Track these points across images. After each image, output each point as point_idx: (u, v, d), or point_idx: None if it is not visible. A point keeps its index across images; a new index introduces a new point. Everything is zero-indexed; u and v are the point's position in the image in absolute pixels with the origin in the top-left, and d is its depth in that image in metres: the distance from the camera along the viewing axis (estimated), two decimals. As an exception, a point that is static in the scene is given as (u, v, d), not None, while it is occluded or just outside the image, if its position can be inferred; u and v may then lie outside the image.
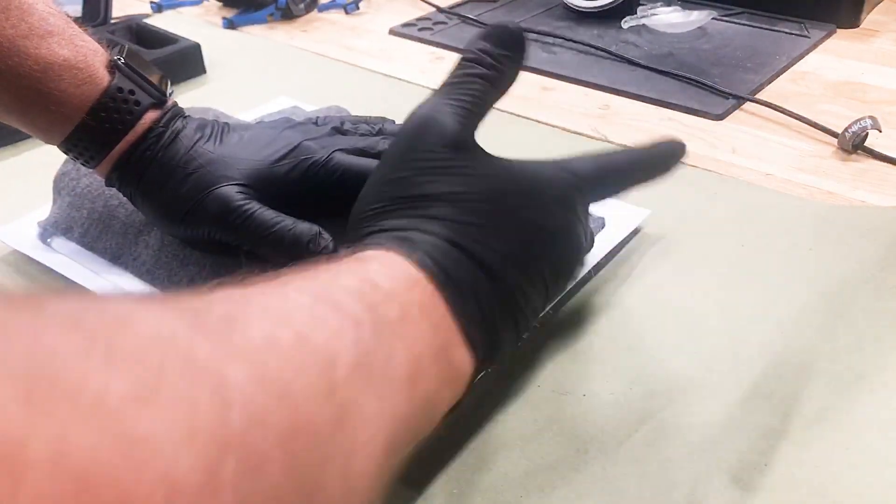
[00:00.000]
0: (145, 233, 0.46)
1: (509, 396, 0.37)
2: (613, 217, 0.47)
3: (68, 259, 0.46)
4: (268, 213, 0.38)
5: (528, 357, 0.39)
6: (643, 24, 0.79)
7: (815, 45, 0.75)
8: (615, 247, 0.45)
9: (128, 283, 0.45)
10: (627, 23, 0.79)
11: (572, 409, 0.36)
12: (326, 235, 0.37)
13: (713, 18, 0.79)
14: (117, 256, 0.46)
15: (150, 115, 0.40)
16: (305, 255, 0.36)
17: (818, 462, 0.32)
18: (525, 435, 0.35)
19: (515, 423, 0.35)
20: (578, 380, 0.38)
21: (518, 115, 0.64)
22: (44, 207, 0.50)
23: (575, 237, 0.32)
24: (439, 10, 0.89)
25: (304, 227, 0.37)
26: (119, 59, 0.39)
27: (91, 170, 0.42)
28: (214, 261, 0.42)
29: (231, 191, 0.38)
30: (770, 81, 0.68)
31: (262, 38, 0.85)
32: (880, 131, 0.55)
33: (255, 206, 0.38)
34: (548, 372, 0.38)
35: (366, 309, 0.23)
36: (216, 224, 0.38)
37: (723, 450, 0.33)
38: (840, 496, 0.31)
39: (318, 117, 0.45)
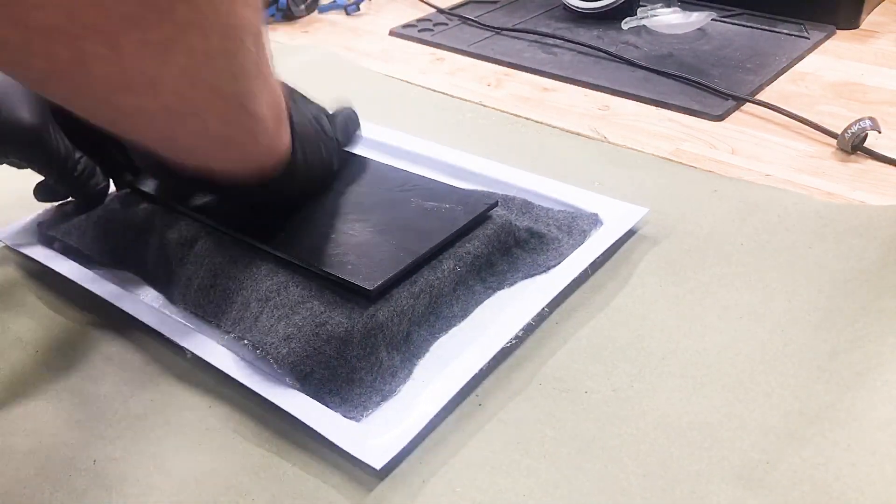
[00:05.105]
0: (145, 232, 0.46)
1: (510, 394, 0.37)
2: (610, 215, 0.47)
3: (69, 260, 0.46)
4: None
5: (529, 355, 0.39)
6: (643, 26, 0.79)
7: (814, 46, 0.75)
8: (612, 245, 0.45)
9: (128, 282, 0.45)
10: (627, 24, 0.79)
11: (573, 406, 0.36)
12: None
13: (713, 19, 0.79)
14: (118, 256, 0.46)
15: None
16: None
17: (819, 460, 0.32)
18: (526, 433, 0.35)
19: (517, 421, 0.36)
20: (579, 377, 0.38)
21: (518, 116, 0.64)
22: (44, 209, 0.50)
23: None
24: (440, 11, 0.89)
25: None
26: None
27: None
28: (213, 260, 0.42)
29: None
30: (770, 82, 0.68)
31: (262, 38, 0.85)
32: (879, 132, 0.55)
33: None
34: (549, 370, 0.38)
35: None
36: None
37: (724, 448, 0.34)
38: (841, 494, 0.31)
39: None
